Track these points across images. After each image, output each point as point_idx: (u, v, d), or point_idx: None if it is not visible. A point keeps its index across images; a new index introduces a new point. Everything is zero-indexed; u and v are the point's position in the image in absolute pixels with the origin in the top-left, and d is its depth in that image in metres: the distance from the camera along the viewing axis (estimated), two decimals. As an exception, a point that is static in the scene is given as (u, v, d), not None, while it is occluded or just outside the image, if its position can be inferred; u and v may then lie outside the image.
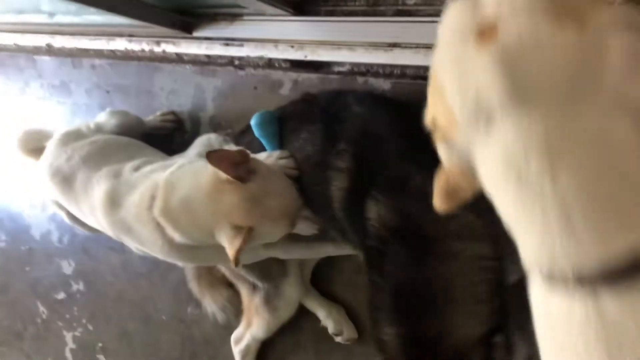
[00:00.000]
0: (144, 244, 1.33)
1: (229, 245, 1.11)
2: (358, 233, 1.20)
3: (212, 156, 1.09)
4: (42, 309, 2.25)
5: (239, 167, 1.11)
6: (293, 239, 1.33)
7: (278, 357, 1.67)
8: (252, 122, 1.36)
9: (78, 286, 2.13)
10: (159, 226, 1.23)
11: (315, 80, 1.54)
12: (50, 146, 1.58)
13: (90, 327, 2.11)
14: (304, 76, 1.56)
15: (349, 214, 1.20)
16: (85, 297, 2.12)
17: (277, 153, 1.31)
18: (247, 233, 1.09)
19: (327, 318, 1.54)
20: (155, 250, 1.32)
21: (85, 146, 1.52)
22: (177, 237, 1.21)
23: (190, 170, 1.22)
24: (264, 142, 1.33)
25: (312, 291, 1.57)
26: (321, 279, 1.59)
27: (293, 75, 1.58)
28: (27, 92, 2.26)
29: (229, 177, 1.11)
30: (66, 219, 1.66)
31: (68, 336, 2.17)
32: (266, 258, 1.41)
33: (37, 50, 2.12)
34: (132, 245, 1.37)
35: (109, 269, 2.04)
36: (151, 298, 1.94)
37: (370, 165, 1.13)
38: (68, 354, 2.17)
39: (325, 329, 1.55)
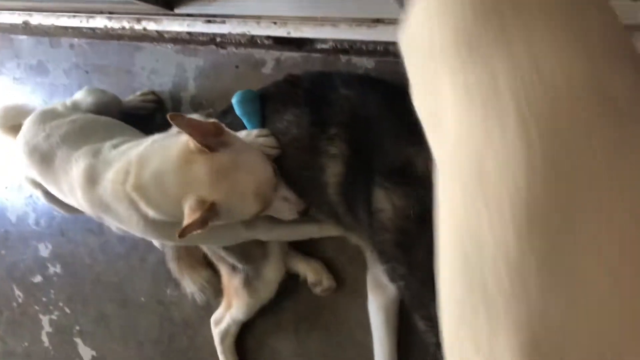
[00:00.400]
0: (122, 221, 1.31)
1: (187, 216, 1.09)
2: (356, 218, 1.20)
3: (179, 119, 1.06)
4: (17, 292, 2.21)
5: (209, 137, 1.10)
6: (275, 220, 1.32)
7: (258, 339, 1.67)
8: (234, 100, 1.35)
9: (55, 269, 2.10)
10: (133, 202, 1.22)
11: (298, 59, 1.54)
12: (27, 124, 1.55)
13: (68, 310, 2.08)
14: (287, 55, 1.55)
15: (345, 198, 1.20)
16: (62, 280, 2.09)
17: (256, 131, 1.30)
18: (208, 208, 1.08)
19: (306, 269, 1.53)
20: (133, 227, 1.31)
21: (64, 125, 1.49)
22: (150, 212, 1.20)
23: (162, 144, 1.21)
24: (244, 120, 1.32)
25: (290, 251, 1.56)
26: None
27: (275, 54, 1.57)
28: (3, 72, 2.21)
29: (197, 146, 1.09)
30: (42, 199, 1.63)
31: (44, 320, 2.14)
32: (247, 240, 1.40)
33: (13, 29, 2.07)
34: (112, 224, 1.36)
35: (86, 251, 2.01)
36: (130, 280, 1.92)
37: (365, 150, 1.13)
38: (44, 338, 2.14)
39: (304, 311, 1.56)
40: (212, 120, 1.16)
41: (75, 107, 1.60)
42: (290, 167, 1.25)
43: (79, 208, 1.43)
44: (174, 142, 1.16)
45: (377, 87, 1.22)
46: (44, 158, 1.43)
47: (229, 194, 1.12)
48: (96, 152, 1.36)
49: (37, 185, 1.57)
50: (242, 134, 1.28)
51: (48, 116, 1.54)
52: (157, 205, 1.18)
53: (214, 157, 1.10)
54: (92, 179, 1.29)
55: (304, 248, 1.56)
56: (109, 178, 1.26)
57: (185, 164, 1.11)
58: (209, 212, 1.08)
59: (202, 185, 1.11)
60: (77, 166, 1.34)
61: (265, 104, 1.33)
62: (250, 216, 1.19)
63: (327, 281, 1.53)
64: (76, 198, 1.37)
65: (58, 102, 1.63)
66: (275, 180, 1.19)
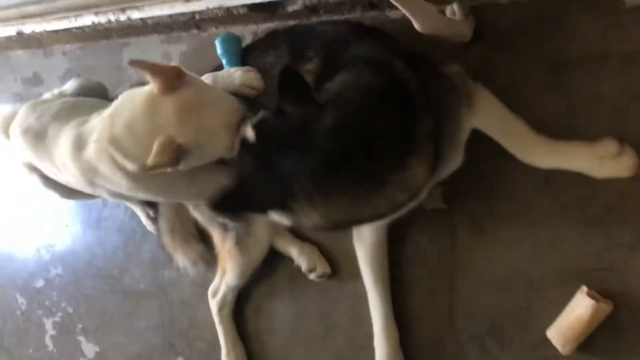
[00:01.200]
0: (111, 183, 1.35)
1: (153, 152, 1.12)
2: None
3: (138, 63, 1.16)
4: (21, 300, 2.23)
5: (171, 80, 1.15)
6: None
7: (255, 306, 1.68)
8: (217, 40, 1.43)
9: (57, 270, 2.13)
10: (113, 159, 1.26)
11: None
12: (20, 113, 1.62)
13: (70, 310, 2.10)
14: (263, 27, 1.64)
15: None
16: (63, 281, 2.11)
17: (244, 68, 1.35)
18: (176, 149, 1.12)
19: (299, 256, 1.56)
20: (122, 187, 1.35)
21: (55, 106, 1.56)
22: (127, 164, 1.24)
23: (129, 95, 1.26)
24: (224, 60, 1.40)
25: (283, 232, 1.60)
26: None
27: (252, 27, 1.65)
28: (1, 89, 2.31)
29: (160, 87, 1.14)
30: (40, 183, 1.68)
31: (48, 323, 2.15)
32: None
33: (9, 43, 2.17)
34: (105, 191, 1.40)
35: (85, 247, 2.05)
36: (128, 270, 1.95)
37: (335, 65, 1.18)
38: (48, 342, 2.15)
39: (297, 270, 1.57)
40: (173, 64, 1.22)
41: (62, 95, 1.68)
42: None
43: (74, 183, 1.47)
44: (139, 91, 1.22)
45: (349, 23, 1.37)
46: (36, 136, 1.49)
47: (198, 130, 1.16)
48: (83, 122, 1.43)
49: (34, 169, 1.62)
50: (221, 73, 1.34)
51: (38, 103, 1.62)
52: (132, 155, 1.22)
53: (178, 96, 1.15)
54: (79, 145, 1.35)
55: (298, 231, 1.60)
56: (92, 139, 1.32)
57: (152, 108, 1.17)
58: (177, 152, 1.13)
59: (170, 125, 1.15)
60: (66, 136, 1.40)
61: (248, 55, 1.41)
62: (226, 151, 1.21)
63: (321, 267, 1.55)
64: (68, 170, 1.42)
65: (46, 93, 1.72)
66: (243, 113, 1.23)
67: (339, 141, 0.95)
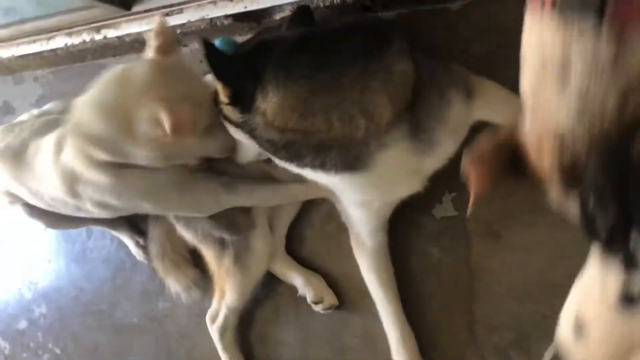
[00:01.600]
0: (93, 186, 1.27)
1: (166, 119, 1.07)
2: None
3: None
4: (4, 344, 2.10)
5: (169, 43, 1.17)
6: (255, 181, 1.33)
7: (259, 332, 1.59)
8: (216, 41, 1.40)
9: (40, 309, 2.01)
10: (83, 151, 1.20)
11: (260, 40, 1.54)
12: None
13: (57, 351, 1.97)
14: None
15: None
16: (48, 320, 1.99)
17: None
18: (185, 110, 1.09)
19: (305, 286, 1.48)
20: (102, 188, 1.27)
21: (35, 123, 1.49)
22: (96, 153, 1.18)
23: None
24: None
25: (288, 260, 1.52)
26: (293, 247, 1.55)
27: (238, 39, 1.57)
28: (-31, 121, 2.19)
29: (160, 46, 1.14)
30: (24, 213, 1.57)
31: (34, 367, 2.02)
32: (231, 209, 1.37)
33: (-24, 72, 2.07)
34: (89, 202, 1.30)
35: (70, 282, 1.93)
36: (119, 303, 1.83)
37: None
38: (36, 387, 2.02)
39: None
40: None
41: (42, 114, 1.59)
42: None
43: (57, 199, 1.37)
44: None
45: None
46: (16, 154, 1.41)
47: (183, 102, 1.10)
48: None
49: (16, 198, 1.52)
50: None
51: (15, 124, 1.54)
52: (98, 136, 1.15)
53: (169, 59, 1.15)
54: (60, 146, 1.28)
55: (302, 259, 1.53)
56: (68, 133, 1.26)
57: (126, 78, 1.14)
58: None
59: (157, 87, 1.11)
60: (49, 139, 1.34)
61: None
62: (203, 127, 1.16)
63: (328, 299, 1.47)
64: (51, 182, 1.33)
65: (24, 114, 1.62)
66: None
67: (311, 34, 1.09)
